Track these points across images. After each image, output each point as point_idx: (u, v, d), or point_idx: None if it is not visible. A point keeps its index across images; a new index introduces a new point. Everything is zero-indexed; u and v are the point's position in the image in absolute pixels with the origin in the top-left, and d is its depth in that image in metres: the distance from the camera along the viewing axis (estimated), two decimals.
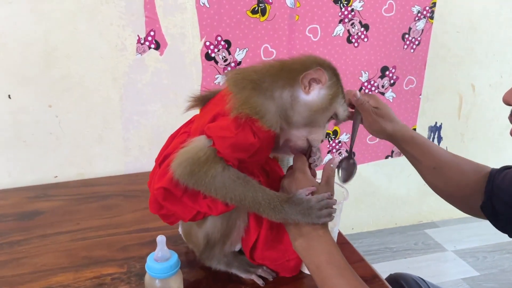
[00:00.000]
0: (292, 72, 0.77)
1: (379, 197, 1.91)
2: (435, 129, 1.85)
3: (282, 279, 0.93)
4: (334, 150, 1.70)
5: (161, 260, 0.77)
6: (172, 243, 1.01)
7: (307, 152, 0.85)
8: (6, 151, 1.33)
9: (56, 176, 1.40)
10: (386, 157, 1.76)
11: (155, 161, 0.88)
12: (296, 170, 0.82)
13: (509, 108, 0.76)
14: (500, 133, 1.94)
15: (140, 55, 1.36)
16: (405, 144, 0.97)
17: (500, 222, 0.92)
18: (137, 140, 1.44)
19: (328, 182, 0.79)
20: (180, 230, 0.97)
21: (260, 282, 0.90)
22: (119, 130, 1.42)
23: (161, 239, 0.77)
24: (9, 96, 1.28)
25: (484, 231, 1.93)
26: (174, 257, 0.78)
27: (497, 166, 0.95)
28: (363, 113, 0.96)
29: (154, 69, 1.39)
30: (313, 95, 0.78)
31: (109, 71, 1.35)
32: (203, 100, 0.87)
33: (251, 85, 0.77)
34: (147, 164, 1.46)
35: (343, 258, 0.72)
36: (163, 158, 0.85)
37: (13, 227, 1.10)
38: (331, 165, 0.80)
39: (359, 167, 1.81)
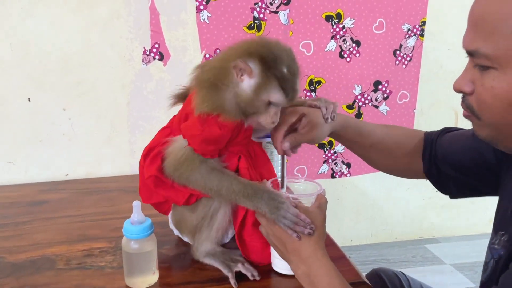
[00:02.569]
0: (228, 64, 0.82)
1: (378, 210, 1.94)
2: None
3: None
4: (330, 160, 1.77)
5: (136, 223, 0.86)
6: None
7: None
8: (25, 149, 1.48)
9: (67, 174, 1.54)
10: None
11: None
12: None
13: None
14: None
15: (145, 65, 1.51)
16: (340, 131, 0.96)
17: (445, 186, 0.95)
18: (142, 143, 1.55)
19: (320, 207, 0.81)
20: (170, 224, 1.04)
21: (232, 282, 0.89)
22: (125, 133, 1.55)
23: (136, 203, 0.87)
24: (28, 99, 1.45)
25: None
26: (148, 221, 0.87)
27: None
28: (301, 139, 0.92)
29: (158, 78, 1.53)
30: (244, 84, 0.82)
31: (118, 79, 1.50)
32: (181, 97, 0.98)
33: (206, 84, 0.85)
34: None
35: (342, 280, 0.75)
36: (148, 150, 0.96)
37: (22, 211, 1.23)
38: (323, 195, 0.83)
39: (356, 178, 1.86)
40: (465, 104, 0.70)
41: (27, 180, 1.50)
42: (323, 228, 0.80)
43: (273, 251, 0.92)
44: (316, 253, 0.76)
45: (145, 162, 0.94)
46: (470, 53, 0.67)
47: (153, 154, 0.92)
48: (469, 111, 0.70)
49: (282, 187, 0.90)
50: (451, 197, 0.99)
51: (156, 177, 0.91)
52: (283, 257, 0.81)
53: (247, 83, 0.82)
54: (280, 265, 0.91)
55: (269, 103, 0.83)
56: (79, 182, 1.47)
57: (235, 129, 0.88)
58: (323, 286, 0.74)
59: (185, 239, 1.01)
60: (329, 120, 0.91)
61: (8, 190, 1.39)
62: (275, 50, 0.83)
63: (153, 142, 0.96)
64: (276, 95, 0.82)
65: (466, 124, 2.06)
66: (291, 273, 0.89)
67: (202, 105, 0.84)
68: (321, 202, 0.82)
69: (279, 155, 0.94)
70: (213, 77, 0.84)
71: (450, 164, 0.93)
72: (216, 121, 0.85)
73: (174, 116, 0.98)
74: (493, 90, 0.64)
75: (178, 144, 0.88)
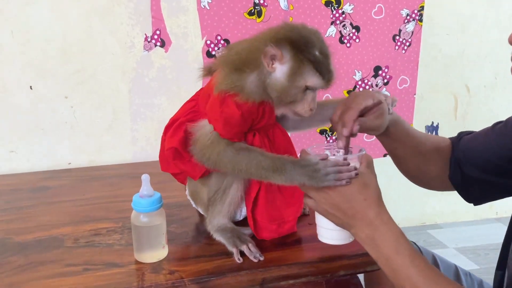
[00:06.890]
0: (256, 51, 0.82)
1: None
2: (432, 129, 1.90)
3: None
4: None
5: (145, 197, 0.86)
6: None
7: None
8: (26, 137, 1.47)
9: (70, 163, 1.53)
10: (384, 155, 1.81)
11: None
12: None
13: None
14: None
15: (147, 52, 1.51)
16: (392, 126, 0.91)
17: (468, 190, 0.91)
18: (144, 131, 1.56)
19: (368, 166, 0.76)
20: (187, 192, 1.04)
21: (237, 258, 0.88)
22: (127, 121, 1.55)
23: (145, 177, 0.87)
24: (30, 87, 1.44)
25: (489, 232, 1.94)
26: (157, 194, 0.87)
27: None
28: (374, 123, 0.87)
29: (159, 65, 1.53)
30: (277, 72, 0.81)
31: (119, 66, 1.49)
32: (210, 70, 0.97)
33: (230, 65, 0.85)
34: (153, 154, 1.57)
35: (410, 246, 0.71)
36: (171, 122, 0.96)
37: (24, 197, 1.22)
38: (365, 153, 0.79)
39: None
40: None
41: (29, 169, 1.49)
42: (378, 187, 0.75)
43: (319, 222, 0.85)
44: (382, 216, 0.72)
45: (168, 133, 0.94)
46: None
47: (176, 125, 0.92)
48: None
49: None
50: (475, 204, 0.94)
51: (175, 150, 0.91)
52: (340, 223, 0.75)
53: (280, 71, 0.81)
54: (328, 235, 0.84)
55: (306, 89, 0.82)
56: (81, 170, 1.46)
57: (256, 112, 0.87)
58: (389, 250, 0.70)
59: (200, 209, 1.02)
60: (390, 110, 0.88)
61: (10, 179, 1.37)
62: (304, 33, 0.82)
63: (178, 114, 0.97)
64: (313, 79, 0.81)
65: (465, 109, 2.06)
66: (339, 243, 0.84)
67: (221, 84, 0.84)
68: (368, 161, 0.77)
69: None
70: (238, 61, 0.84)
71: (474, 164, 0.88)
72: (234, 101, 0.84)
73: (201, 88, 0.99)
74: None
75: (205, 130, 0.88)
